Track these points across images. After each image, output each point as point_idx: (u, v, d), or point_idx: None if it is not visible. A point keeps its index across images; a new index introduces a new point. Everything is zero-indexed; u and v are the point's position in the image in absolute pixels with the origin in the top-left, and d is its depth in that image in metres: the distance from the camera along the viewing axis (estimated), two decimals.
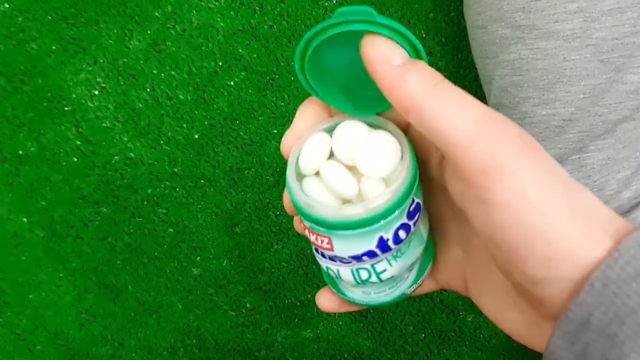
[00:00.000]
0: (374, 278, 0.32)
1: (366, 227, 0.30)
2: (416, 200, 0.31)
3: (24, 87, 0.75)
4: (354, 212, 0.30)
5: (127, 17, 0.75)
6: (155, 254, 0.75)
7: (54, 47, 0.75)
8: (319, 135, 0.32)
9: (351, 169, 0.32)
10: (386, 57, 0.28)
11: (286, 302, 0.74)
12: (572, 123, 0.49)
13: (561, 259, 0.26)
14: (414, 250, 0.33)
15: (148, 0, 0.75)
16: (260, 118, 0.75)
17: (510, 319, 0.32)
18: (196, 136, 0.75)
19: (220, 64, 0.75)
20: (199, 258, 0.75)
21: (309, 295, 0.74)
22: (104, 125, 0.75)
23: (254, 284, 0.74)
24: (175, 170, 0.75)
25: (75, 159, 0.75)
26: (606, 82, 0.47)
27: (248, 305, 0.74)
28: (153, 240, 0.75)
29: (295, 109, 0.74)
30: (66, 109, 0.75)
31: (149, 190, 0.75)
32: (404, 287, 0.34)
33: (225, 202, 0.75)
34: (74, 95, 0.75)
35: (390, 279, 0.33)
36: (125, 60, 0.75)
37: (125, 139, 0.75)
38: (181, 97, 0.75)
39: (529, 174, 0.26)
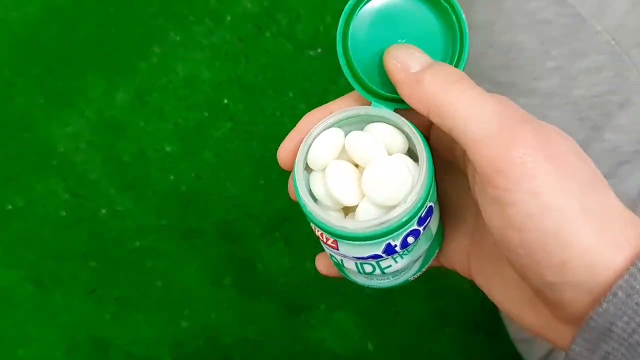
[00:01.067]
0: (378, 272, 0.32)
1: (373, 240, 0.29)
2: (429, 204, 0.30)
3: (12, 141, 0.76)
4: (362, 226, 0.29)
5: (113, 69, 0.76)
6: (144, 306, 0.75)
7: (40, 101, 0.76)
8: (333, 131, 0.31)
9: (358, 167, 0.31)
10: (404, 65, 0.29)
11: (274, 354, 0.74)
12: None
13: (577, 265, 0.26)
14: (421, 247, 0.32)
15: (133, 52, 0.76)
16: (246, 169, 0.75)
17: (524, 315, 0.31)
18: (183, 188, 0.75)
19: (206, 114, 0.76)
20: (187, 310, 0.75)
21: (297, 347, 0.74)
22: (91, 178, 0.76)
23: (243, 335, 0.74)
24: (163, 222, 0.75)
25: (64, 213, 0.75)
26: (585, 140, 0.47)
27: (237, 357, 0.74)
28: (141, 293, 0.75)
29: None
30: (53, 162, 0.76)
31: (137, 243, 0.75)
32: (407, 276, 0.34)
33: (212, 254, 0.75)
34: (61, 149, 0.75)
35: (394, 272, 0.32)
36: (112, 112, 0.76)
37: (112, 192, 0.75)
38: (167, 149, 0.75)
39: (544, 174, 0.26)
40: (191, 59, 0.76)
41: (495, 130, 0.26)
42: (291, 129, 0.32)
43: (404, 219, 0.29)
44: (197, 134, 0.75)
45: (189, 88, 0.76)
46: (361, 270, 0.32)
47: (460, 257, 0.35)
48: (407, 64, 0.29)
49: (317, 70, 0.75)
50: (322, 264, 0.36)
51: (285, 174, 0.32)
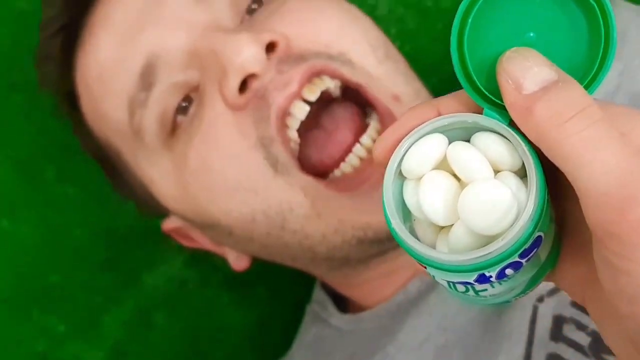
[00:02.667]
0: (471, 293, 0.29)
1: (463, 272, 0.26)
2: (538, 234, 0.27)
3: None
4: (450, 259, 0.26)
5: None
6: None
7: None
8: (434, 138, 0.27)
9: (459, 180, 0.28)
10: (517, 83, 0.24)
11: None
12: None
13: None
14: (524, 275, 0.29)
15: None
16: None
17: None
18: None
19: None
20: None
21: None
22: None
23: None
24: None
25: None
26: None
27: None
28: None
29: None
30: None
31: None
32: (509, 296, 0.31)
33: None
34: None
35: (491, 295, 0.29)
36: None
37: None
38: None
39: None
40: None
41: (612, 186, 0.23)
42: None
43: (501, 255, 0.25)
44: None
45: None
46: (453, 289, 0.29)
47: (574, 282, 0.30)
48: (520, 82, 0.24)
49: None
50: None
51: None
